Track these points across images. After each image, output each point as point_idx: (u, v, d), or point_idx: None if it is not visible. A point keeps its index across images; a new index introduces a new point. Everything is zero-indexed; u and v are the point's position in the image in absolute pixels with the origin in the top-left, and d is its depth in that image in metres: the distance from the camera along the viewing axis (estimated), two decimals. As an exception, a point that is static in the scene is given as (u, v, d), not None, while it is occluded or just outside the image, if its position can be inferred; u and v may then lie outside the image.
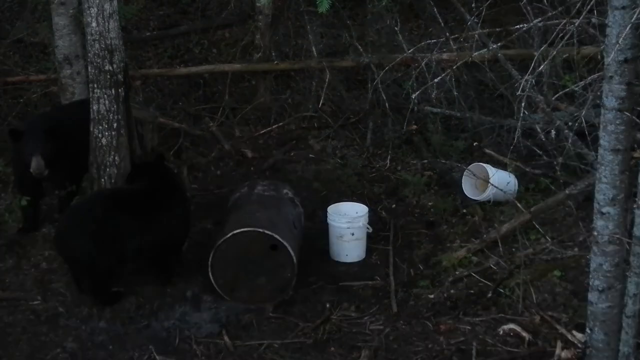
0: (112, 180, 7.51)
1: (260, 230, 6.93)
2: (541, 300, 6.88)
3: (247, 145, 9.36)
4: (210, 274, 6.95)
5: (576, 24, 5.59)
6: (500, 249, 7.33)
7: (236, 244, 6.92)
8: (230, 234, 6.92)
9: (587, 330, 5.78)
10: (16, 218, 7.83)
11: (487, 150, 8.54)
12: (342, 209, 7.77)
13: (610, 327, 5.65)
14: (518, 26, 6.62)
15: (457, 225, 7.95)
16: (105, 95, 7.67)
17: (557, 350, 6.36)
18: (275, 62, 9.73)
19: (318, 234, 7.80)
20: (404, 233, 7.92)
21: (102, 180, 7.50)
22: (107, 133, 7.73)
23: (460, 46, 7.91)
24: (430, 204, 8.30)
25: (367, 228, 7.62)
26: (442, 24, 8.63)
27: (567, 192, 7.35)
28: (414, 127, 9.17)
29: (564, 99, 7.88)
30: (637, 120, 5.46)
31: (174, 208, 7.07)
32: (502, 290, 6.99)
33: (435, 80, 7.21)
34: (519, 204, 7.53)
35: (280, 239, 6.91)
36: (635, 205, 5.22)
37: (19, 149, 7.48)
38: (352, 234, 7.55)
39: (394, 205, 8.34)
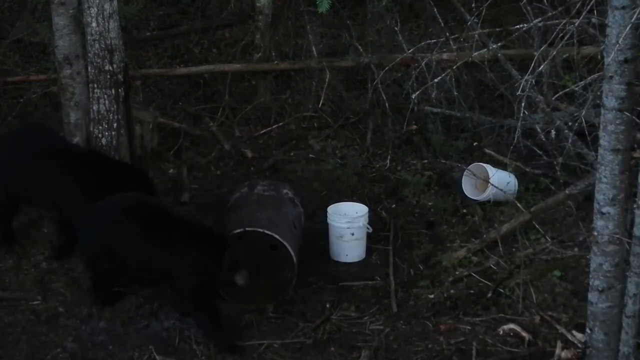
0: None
1: (260, 230, 6.92)
2: (541, 300, 6.88)
3: (247, 145, 9.35)
4: None
5: (576, 24, 5.59)
6: (500, 249, 7.33)
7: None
8: (230, 234, 6.91)
9: (587, 330, 5.79)
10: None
11: (487, 150, 8.54)
12: (342, 209, 7.76)
13: (610, 327, 5.65)
14: (518, 26, 6.62)
15: (457, 225, 7.95)
16: (105, 95, 7.67)
17: (557, 350, 6.37)
18: (275, 62, 9.73)
19: (318, 234, 7.80)
20: (404, 233, 7.92)
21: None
22: (107, 133, 7.74)
23: (460, 46, 7.90)
24: (430, 204, 8.30)
25: (367, 228, 7.62)
26: (442, 24, 8.62)
27: (567, 192, 7.35)
28: (414, 127, 9.17)
29: (564, 99, 7.88)
30: (637, 120, 5.47)
31: None
32: (502, 290, 6.99)
33: (435, 80, 7.21)
34: (519, 204, 7.53)
35: (280, 239, 6.90)
36: (635, 205, 5.22)
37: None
38: (352, 234, 7.55)
39: (394, 205, 8.34)
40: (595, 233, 5.51)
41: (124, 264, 6.72)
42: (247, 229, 6.91)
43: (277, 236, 6.91)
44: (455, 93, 8.22)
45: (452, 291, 7.10)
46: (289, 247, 6.91)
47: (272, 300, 7.01)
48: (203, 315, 6.59)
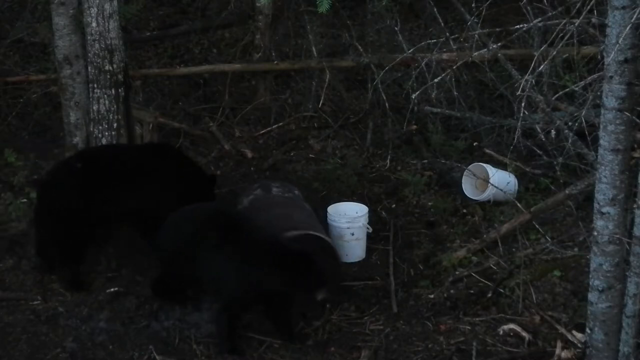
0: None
1: (314, 233, 6.93)
2: (541, 300, 6.88)
3: (247, 145, 9.35)
4: None
5: (576, 24, 5.59)
6: (500, 249, 7.33)
7: None
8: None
9: (587, 330, 5.79)
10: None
11: (487, 150, 8.55)
12: (342, 209, 7.76)
13: (610, 327, 5.65)
14: (518, 26, 6.62)
15: (457, 225, 7.95)
16: (105, 95, 7.68)
17: (557, 350, 6.37)
18: (275, 62, 9.73)
19: (318, 234, 7.79)
20: (404, 233, 7.92)
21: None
22: (107, 133, 7.75)
23: (460, 46, 7.90)
24: (430, 204, 8.30)
25: (367, 228, 7.61)
26: (442, 24, 8.62)
27: (567, 192, 7.35)
28: (414, 127, 9.16)
29: (564, 99, 7.87)
30: (637, 120, 5.46)
31: None
32: (502, 290, 6.99)
33: (435, 80, 7.21)
34: (519, 204, 7.53)
35: (328, 241, 6.96)
36: (635, 205, 5.23)
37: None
38: (352, 234, 7.54)
39: (394, 205, 8.34)
40: (595, 233, 5.52)
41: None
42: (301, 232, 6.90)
43: (325, 237, 6.96)
44: (455, 93, 8.21)
45: (452, 291, 7.10)
46: (335, 248, 6.98)
47: None
48: (223, 318, 6.53)
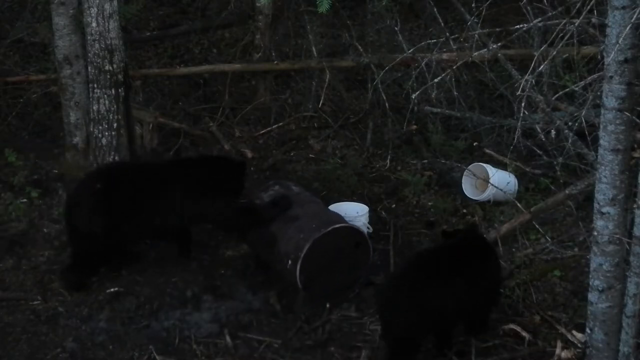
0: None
1: (352, 226, 7.09)
2: (541, 300, 6.88)
3: (247, 145, 9.36)
4: (298, 267, 6.86)
5: (576, 24, 5.59)
6: (500, 249, 7.33)
7: (330, 239, 6.92)
8: (330, 228, 6.92)
9: (587, 330, 5.79)
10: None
11: (487, 150, 8.55)
12: (342, 209, 7.75)
13: (610, 327, 5.65)
14: (518, 26, 6.62)
15: (457, 225, 7.94)
16: (105, 95, 7.70)
17: (557, 350, 6.37)
18: (275, 62, 9.73)
19: (318, 234, 7.78)
20: (404, 233, 7.91)
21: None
22: (107, 133, 7.76)
23: (460, 46, 7.90)
24: (430, 204, 8.30)
25: (368, 228, 7.61)
26: (442, 24, 8.63)
27: (567, 192, 7.35)
28: (414, 127, 9.17)
29: (564, 99, 7.88)
30: (637, 120, 5.46)
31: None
32: (502, 290, 6.99)
33: (435, 80, 7.21)
34: (519, 204, 7.53)
35: (361, 231, 7.06)
36: (635, 205, 5.22)
37: None
38: (352, 234, 7.55)
39: (394, 205, 8.34)
40: (595, 233, 5.51)
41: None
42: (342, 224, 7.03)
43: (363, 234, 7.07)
44: (455, 93, 8.21)
45: (452, 291, 7.09)
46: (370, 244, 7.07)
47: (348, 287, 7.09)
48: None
